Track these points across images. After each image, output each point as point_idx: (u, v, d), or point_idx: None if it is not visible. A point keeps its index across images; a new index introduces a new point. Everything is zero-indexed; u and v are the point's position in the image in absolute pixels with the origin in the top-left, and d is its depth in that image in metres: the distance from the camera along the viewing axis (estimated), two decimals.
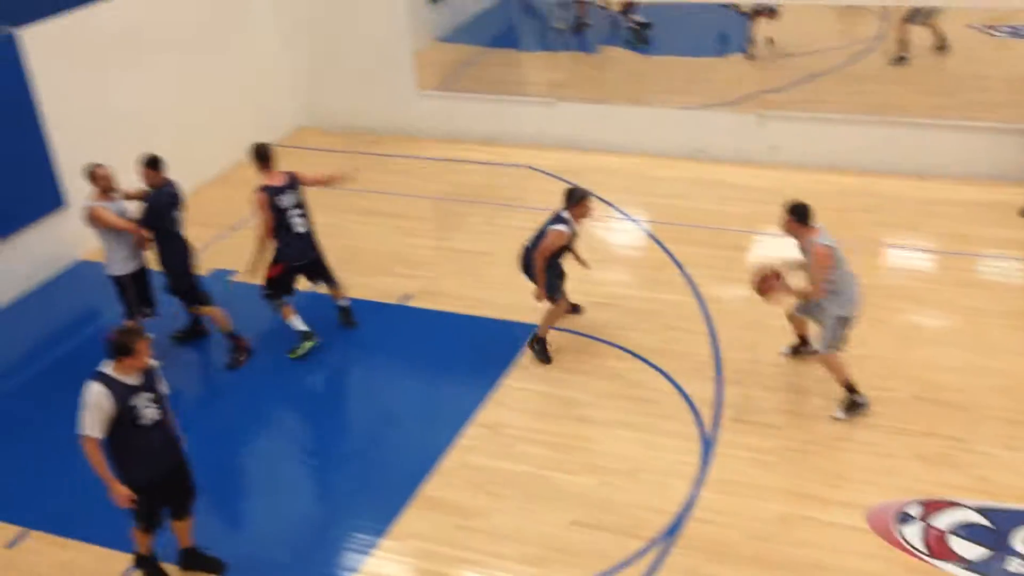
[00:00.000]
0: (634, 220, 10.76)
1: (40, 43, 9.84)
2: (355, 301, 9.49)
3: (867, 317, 8.68)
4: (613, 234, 10.70)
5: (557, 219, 8.19)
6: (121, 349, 5.70)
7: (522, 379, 8.23)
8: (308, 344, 8.77)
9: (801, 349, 8.14)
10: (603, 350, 8.56)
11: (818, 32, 15.00)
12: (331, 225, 10.97)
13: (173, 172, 11.69)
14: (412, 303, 9.46)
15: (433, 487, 7.10)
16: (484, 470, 7.24)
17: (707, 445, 7.34)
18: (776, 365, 8.19)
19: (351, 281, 9.83)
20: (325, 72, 13.48)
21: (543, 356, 8.42)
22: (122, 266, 8.30)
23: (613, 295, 9.39)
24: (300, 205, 8.48)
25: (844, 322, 7.39)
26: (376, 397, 8.34)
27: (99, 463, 5.75)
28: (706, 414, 7.67)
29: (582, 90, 13.34)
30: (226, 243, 10.78)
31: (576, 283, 9.55)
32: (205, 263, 10.31)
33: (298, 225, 8.44)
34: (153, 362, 5.93)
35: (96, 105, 10.59)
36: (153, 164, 8.35)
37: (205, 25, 12.07)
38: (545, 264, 8.18)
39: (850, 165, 11.53)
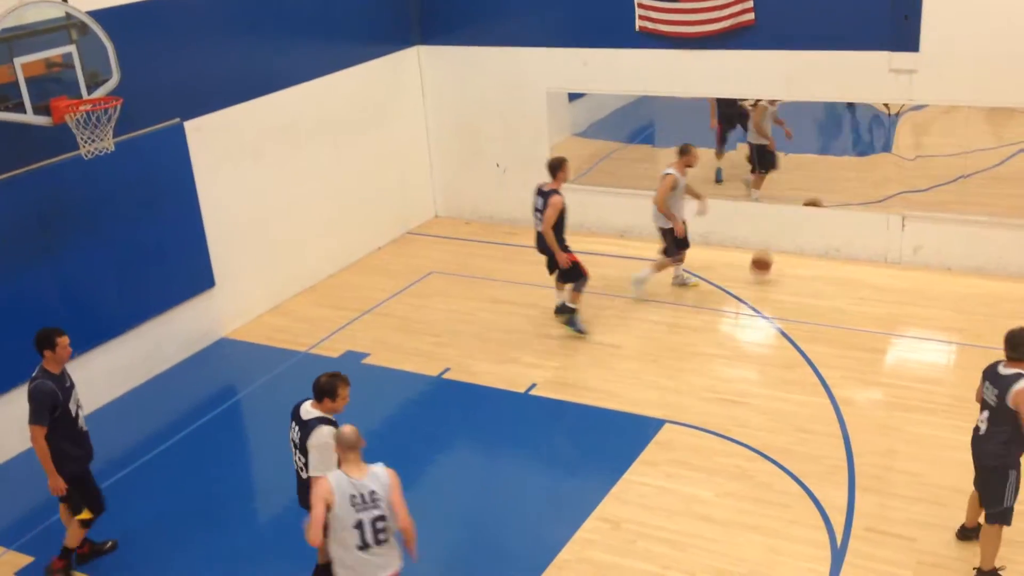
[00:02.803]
0: (766, 318, 10.56)
1: (200, 134, 10.52)
2: (481, 388, 9.61)
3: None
4: (744, 331, 10.52)
5: None
6: (329, 392, 6.30)
7: (646, 474, 8.09)
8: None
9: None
10: (730, 448, 8.35)
11: (966, 133, 14.59)
12: (460, 312, 11.23)
13: (314, 257, 12.31)
14: (539, 392, 9.49)
15: None
16: (603, 566, 7.10)
17: (837, 554, 7.01)
18: (913, 473, 7.81)
19: (479, 368, 9.96)
20: (465, 163, 13.92)
21: None
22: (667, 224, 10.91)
23: (743, 393, 9.19)
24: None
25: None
26: (498, 485, 8.32)
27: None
28: (837, 521, 7.34)
29: (718, 186, 13.30)
30: (361, 326, 11.11)
31: (705, 379, 9.43)
32: (339, 345, 10.67)
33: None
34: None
35: (247, 193, 11.21)
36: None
37: (355, 119, 12.67)
38: None
39: (998, 269, 11.08)
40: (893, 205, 12.05)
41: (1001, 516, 6.49)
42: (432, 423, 9.21)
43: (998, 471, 6.44)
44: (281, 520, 7.92)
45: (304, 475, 6.36)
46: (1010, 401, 6.25)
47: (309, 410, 6.37)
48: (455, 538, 7.64)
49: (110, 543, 7.67)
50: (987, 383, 6.55)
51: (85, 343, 9.36)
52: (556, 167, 10.27)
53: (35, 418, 6.83)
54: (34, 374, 6.96)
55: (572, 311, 10.38)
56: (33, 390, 6.86)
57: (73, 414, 7.03)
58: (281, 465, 8.63)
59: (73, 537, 7.29)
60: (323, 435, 6.16)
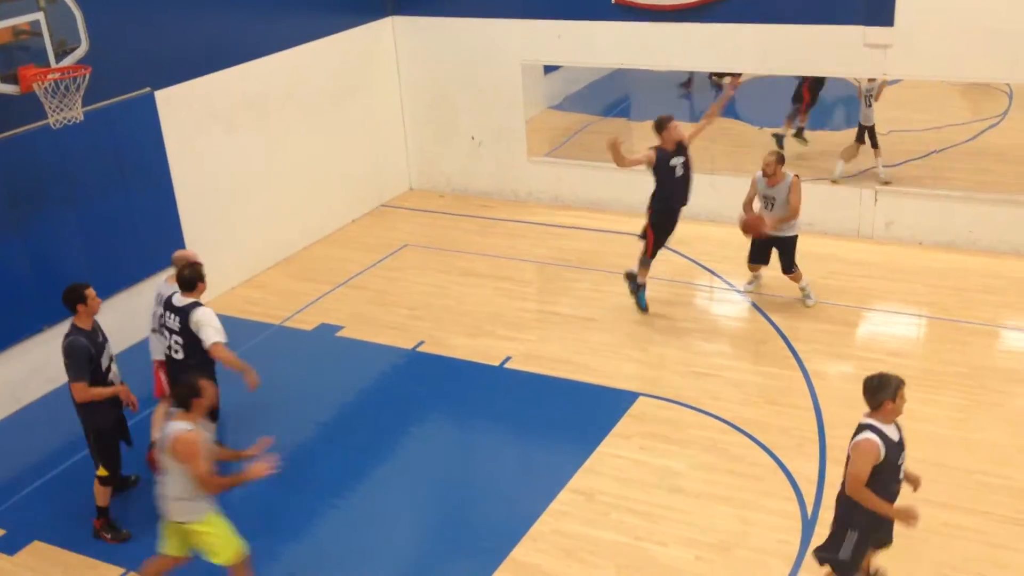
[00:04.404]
0: (740, 291, 10.61)
1: (172, 104, 10.38)
2: (456, 361, 9.61)
3: (984, 401, 8.40)
4: (718, 305, 10.57)
5: None
6: (200, 277, 7.49)
7: (619, 447, 8.13)
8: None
9: None
10: (703, 421, 8.41)
11: (941, 108, 14.69)
12: (434, 285, 11.21)
13: (288, 229, 12.22)
14: (513, 366, 9.50)
15: (523, 551, 7.03)
16: (576, 537, 7.15)
17: (808, 525, 7.09)
18: None
19: (453, 341, 9.96)
20: (439, 136, 13.84)
21: None
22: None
23: (716, 366, 9.24)
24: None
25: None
26: (472, 458, 8.35)
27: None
28: (808, 492, 7.42)
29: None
30: (335, 299, 11.07)
31: (679, 352, 9.47)
32: (313, 318, 10.63)
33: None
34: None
35: (220, 164, 11.09)
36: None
37: (328, 90, 12.55)
38: None
39: (969, 244, 11.18)
40: (866, 180, 12.12)
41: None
42: (407, 396, 9.20)
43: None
44: (260, 488, 7.90)
45: (178, 356, 7.50)
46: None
47: (181, 299, 7.45)
48: (429, 510, 7.66)
49: (134, 476, 7.90)
50: None
51: (54, 315, 9.24)
52: (659, 127, 9.79)
53: (75, 374, 7.00)
54: (68, 332, 7.08)
55: (635, 281, 10.11)
56: (67, 348, 7.01)
57: (104, 368, 7.14)
58: (258, 436, 8.62)
59: (100, 495, 7.39)
60: (203, 313, 7.37)
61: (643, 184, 12.66)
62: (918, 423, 8.08)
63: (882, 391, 5.61)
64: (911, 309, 10.08)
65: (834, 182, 12.02)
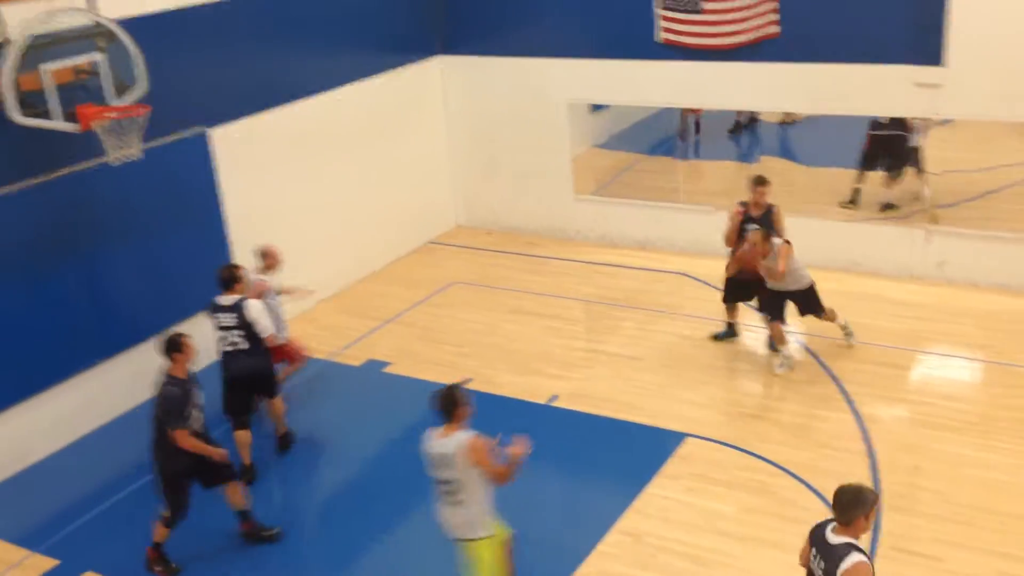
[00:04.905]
0: (789, 332, 10.48)
1: (225, 142, 10.57)
2: (503, 399, 9.60)
3: None
4: (767, 346, 10.46)
5: None
6: (237, 278, 8.33)
7: (667, 488, 8.06)
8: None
9: None
10: (752, 463, 8.30)
11: (993, 148, 14.50)
12: (482, 323, 11.23)
13: (337, 265, 12.34)
14: (560, 404, 9.47)
15: None
16: None
17: None
18: (938, 492, 7.74)
19: (500, 379, 9.95)
20: (486, 173, 13.93)
21: None
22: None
23: (765, 408, 9.15)
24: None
25: None
26: (518, 497, 8.26)
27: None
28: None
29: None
30: (383, 335, 11.13)
31: (728, 393, 9.39)
32: (361, 353, 10.70)
33: None
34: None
35: (271, 200, 11.24)
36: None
37: (378, 128, 12.71)
38: None
39: (1023, 286, 10.97)
40: (917, 219, 11.98)
41: None
42: None
43: None
44: (305, 524, 7.93)
45: (243, 347, 8.29)
46: None
47: (229, 298, 8.28)
48: None
49: (277, 530, 7.81)
50: (814, 550, 5.17)
51: (109, 349, 9.43)
52: (750, 185, 10.00)
53: (174, 424, 7.13)
54: (162, 380, 7.23)
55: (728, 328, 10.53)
56: (162, 398, 7.19)
57: (190, 417, 7.24)
58: (305, 470, 8.69)
59: (158, 532, 7.44)
60: (257, 305, 8.31)
61: (689, 224, 12.69)
62: (974, 469, 7.95)
63: (857, 507, 4.93)
64: (965, 352, 9.91)
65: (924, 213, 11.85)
